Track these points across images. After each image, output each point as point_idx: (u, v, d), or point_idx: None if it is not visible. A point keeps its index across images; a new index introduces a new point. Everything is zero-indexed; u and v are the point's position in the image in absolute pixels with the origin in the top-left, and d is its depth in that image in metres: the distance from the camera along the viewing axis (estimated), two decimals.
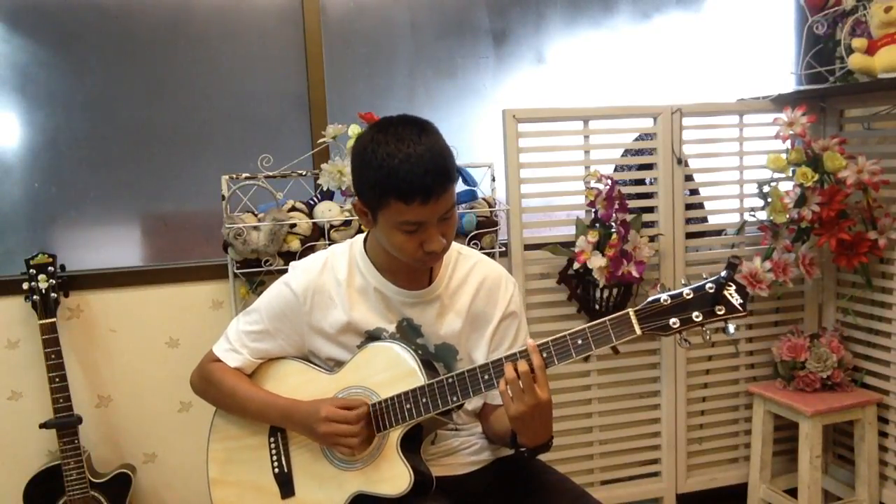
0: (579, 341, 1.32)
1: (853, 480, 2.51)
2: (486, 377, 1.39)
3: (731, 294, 1.30)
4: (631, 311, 1.32)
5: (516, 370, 1.31)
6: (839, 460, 2.68)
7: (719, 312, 1.29)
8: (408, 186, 1.30)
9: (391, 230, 1.37)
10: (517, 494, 1.55)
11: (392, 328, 1.52)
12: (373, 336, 1.51)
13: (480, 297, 1.55)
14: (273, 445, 1.55)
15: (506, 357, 1.36)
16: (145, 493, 2.36)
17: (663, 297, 1.31)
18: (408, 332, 1.52)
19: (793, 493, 2.49)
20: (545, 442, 1.39)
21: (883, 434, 2.46)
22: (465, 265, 1.57)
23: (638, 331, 1.31)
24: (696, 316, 1.30)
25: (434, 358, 1.53)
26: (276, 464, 1.54)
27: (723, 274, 1.30)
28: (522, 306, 1.61)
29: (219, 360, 1.57)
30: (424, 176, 1.31)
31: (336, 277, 1.52)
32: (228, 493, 1.57)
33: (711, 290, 1.29)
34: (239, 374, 1.56)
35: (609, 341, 1.33)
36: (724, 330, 1.30)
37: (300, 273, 1.54)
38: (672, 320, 1.30)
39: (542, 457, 1.68)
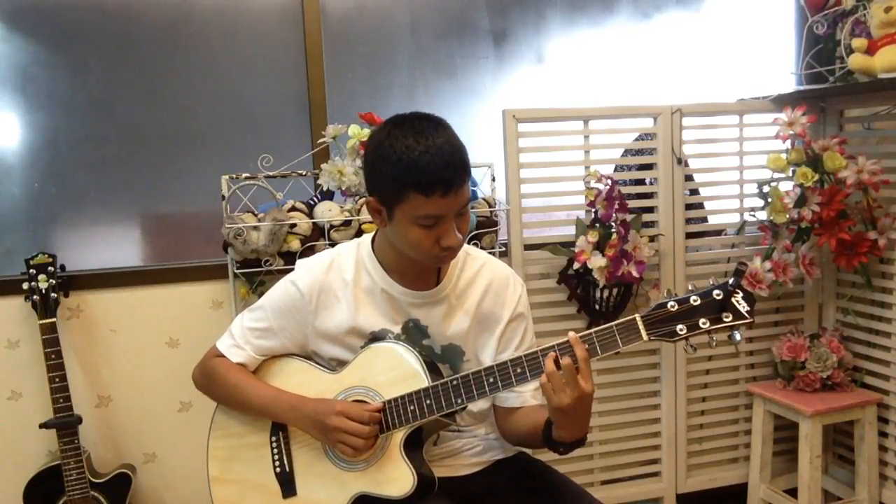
0: (586, 346, 1.32)
1: (853, 480, 2.51)
2: (492, 380, 1.38)
3: (738, 301, 1.29)
4: (638, 316, 1.31)
5: (557, 363, 1.29)
6: (839, 460, 2.68)
7: (726, 320, 1.29)
8: (428, 178, 1.30)
9: (408, 226, 1.36)
10: (519, 495, 1.55)
11: (398, 329, 1.51)
12: (377, 337, 1.51)
13: (489, 297, 1.55)
14: (275, 444, 1.54)
15: (542, 350, 1.35)
16: (145, 493, 2.36)
17: (670, 303, 1.30)
18: (414, 333, 1.52)
19: (793, 493, 2.49)
20: (583, 436, 1.37)
21: (883, 434, 2.46)
22: (473, 266, 1.56)
23: (645, 336, 1.30)
24: (704, 323, 1.29)
25: (440, 359, 1.53)
26: (277, 463, 1.54)
27: (730, 281, 1.29)
28: (529, 308, 1.61)
29: (222, 356, 1.57)
30: (445, 168, 1.31)
31: (343, 277, 1.52)
32: (229, 491, 1.57)
33: (719, 297, 1.29)
34: (242, 369, 1.56)
35: (615, 346, 1.32)
36: (731, 337, 1.30)
37: (306, 272, 1.54)
38: (679, 327, 1.30)
39: (544, 456, 1.69)
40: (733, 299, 1.29)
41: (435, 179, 1.30)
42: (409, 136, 1.33)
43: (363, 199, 2.18)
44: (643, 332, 1.31)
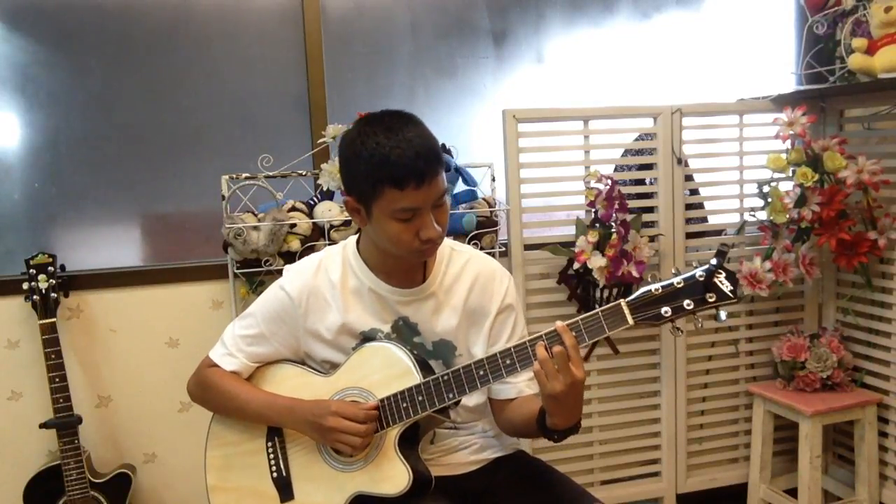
0: (573, 333, 1.32)
1: (853, 480, 2.51)
2: (482, 373, 1.39)
3: (720, 281, 1.30)
4: (623, 301, 1.32)
5: (549, 350, 1.30)
6: (839, 460, 2.68)
7: (710, 300, 1.30)
8: (401, 171, 1.31)
9: (386, 221, 1.37)
10: (517, 494, 1.55)
11: (387, 328, 1.52)
12: (368, 337, 1.51)
13: (476, 291, 1.55)
14: (271, 450, 1.54)
15: (530, 340, 1.36)
16: (145, 493, 2.36)
17: (654, 286, 1.31)
18: (404, 331, 1.52)
19: (793, 493, 2.49)
20: (576, 423, 1.38)
21: (883, 434, 2.46)
22: (458, 261, 1.57)
23: (630, 321, 1.31)
24: (688, 304, 1.30)
25: (432, 356, 1.53)
26: (274, 468, 1.54)
27: (712, 262, 1.31)
28: (518, 299, 1.61)
29: (215, 366, 1.57)
30: (416, 159, 1.32)
31: (330, 279, 1.52)
32: (228, 498, 1.57)
33: (701, 278, 1.30)
34: (237, 377, 1.56)
35: (602, 332, 1.33)
36: (716, 317, 1.31)
37: (295, 276, 1.54)
38: (664, 309, 1.30)
39: (543, 456, 1.69)
40: (716, 279, 1.30)
41: (407, 172, 1.31)
42: (380, 132, 1.34)
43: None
44: (628, 317, 1.31)
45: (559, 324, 1.32)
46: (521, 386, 1.54)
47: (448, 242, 1.57)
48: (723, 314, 1.31)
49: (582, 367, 1.31)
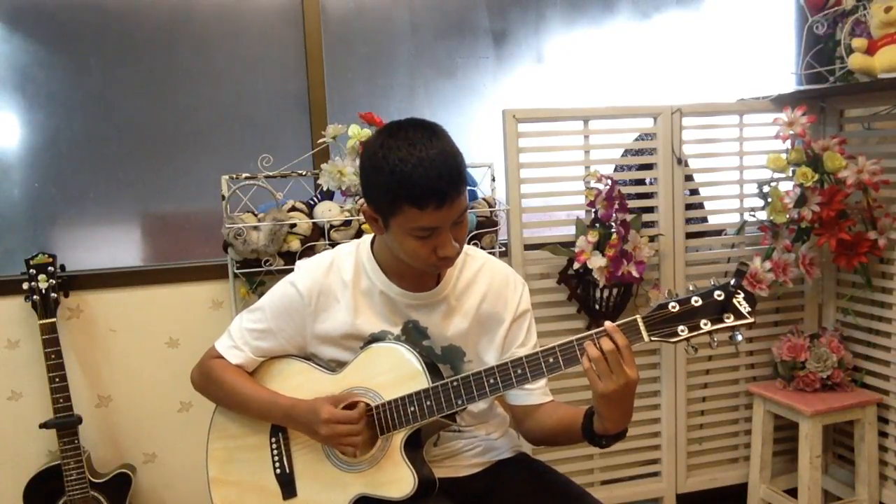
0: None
1: (853, 480, 2.51)
2: (492, 381, 1.38)
3: (739, 302, 1.28)
4: (639, 317, 1.30)
5: (601, 348, 1.28)
6: (839, 460, 2.68)
7: (728, 320, 1.28)
8: (422, 192, 1.28)
9: (404, 237, 1.35)
10: (518, 495, 1.55)
11: (397, 331, 1.51)
12: (376, 339, 1.51)
13: (489, 298, 1.54)
14: (274, 445, 1.54)
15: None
16: (145, 493, 2.36)
17: (671, 303, 1.29)
18: (413, 335, 1.52)
19: (793, 493, 2.49)
20: (626, 428, 1.35)
21: (883, 434, 2.46)
22: (473, 266, 1.56)
23: (646, 338, 1.30)
24: (705, 324, 1.28)
25: (441, 360, 1.53)
26: (277, 464, 1.54)
27: (732, 281, 1.29)
28: (530, 304, 1.60)
29: (220, 357, 1.56)
30: (438, 180, 1.29)
31: (342, 279, 1.51)
32: (229, 492, 1.57)
33: (720, 298, 1.28)
34: (241, 371, 1.55)
35: None
36: (732, 338, 1.29)
37: (306, 273, 1.53)
38: (680, 328, 1.29)
39: (543, 456, 1.68)
40: (734, 300, 1.28)
41: (429, 192, 1.28)
42: (403, 147, 1.30)
43: (363, 200, 2.18)
44: (644, 334, 1.30)
45: (609, 324, 1.30)
46: (538, 393, 1.54)
47: (463, 247, 1.54)
48: (739, 335, 1.29)
49: (635, 367, 1.28)
